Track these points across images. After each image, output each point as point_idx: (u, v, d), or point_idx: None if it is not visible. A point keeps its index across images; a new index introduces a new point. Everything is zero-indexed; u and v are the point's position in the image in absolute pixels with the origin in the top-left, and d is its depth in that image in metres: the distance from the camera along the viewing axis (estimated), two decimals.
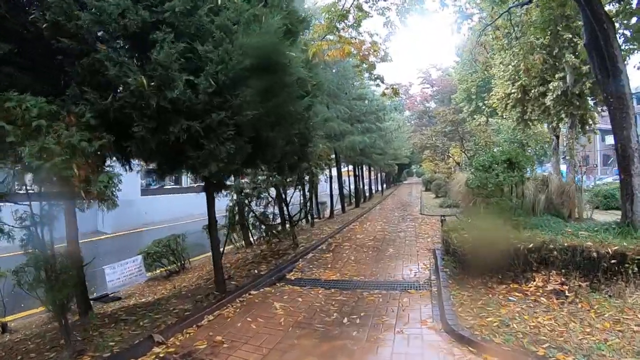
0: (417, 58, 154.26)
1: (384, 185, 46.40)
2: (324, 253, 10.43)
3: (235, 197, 10.30)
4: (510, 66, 17.73)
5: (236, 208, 10.16)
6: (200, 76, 4.46)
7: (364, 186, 30.11)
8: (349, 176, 27.83)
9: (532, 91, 17.23)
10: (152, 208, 25.34)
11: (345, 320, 5.58)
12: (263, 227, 11.09)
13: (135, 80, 4.04)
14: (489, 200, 13.03)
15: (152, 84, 4.16)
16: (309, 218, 15.49)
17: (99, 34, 4.29)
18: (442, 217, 14.32)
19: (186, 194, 32.96)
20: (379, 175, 43.19)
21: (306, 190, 11.91)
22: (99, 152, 4.05)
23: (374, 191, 38.31)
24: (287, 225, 11.54)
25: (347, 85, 19.44)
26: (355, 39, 10.59)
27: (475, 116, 28.49)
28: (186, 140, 4.49)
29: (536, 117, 18.52)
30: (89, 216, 25.61)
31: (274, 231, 10.88)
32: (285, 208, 11.29)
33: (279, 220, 11.60)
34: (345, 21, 10.59)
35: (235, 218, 10.22)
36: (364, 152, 23.60)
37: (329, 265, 9.05)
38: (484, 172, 13.24)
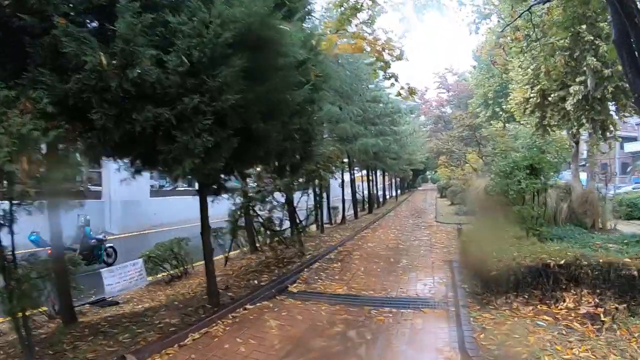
0: (434, 62, 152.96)
1: (398, 191, 45.54)
2: (332, 263, 9.73)
3: (238, 200, 9.67)
4: (529, 70, 16.91)
5: (238, 212, 9.51)
6: (171, 52, 3.81)
7: (377, 191, 29.38)
8: (362, 181, 27.22)
9: (552, 95, 16.33)
10: (161, 209, 24.97)
11: (349, 344, 4.87)
12: (268, 232, 10.44)
13: (94, 57, 3.41)
14: (510, 209, 12.25)
15: (114, 62, 3.53)
16: (319, 224, 14.82)
17: (64, 9, 3.65)
18: (459, 226, 13.58)
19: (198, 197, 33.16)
20: (393, 180, 42.37)
21: (315, 194, 11.21)
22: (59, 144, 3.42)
23: (387, 197, 37.49)
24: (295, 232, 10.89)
25: (361, 86, 18.79)
26: (371, 34, 9.89)
27: (492, 122, 27.56)
28: (155, 130, 3.85)
29: (556, 123, 17.49)
30: (97, 216, 25.45)
31: (279, 238, 10.21)
32: (292, 213, 10.61)
33: (286, 226, 10.95)
34: (359, 16, 9.90)
35: (237, 223, 9.57)
36: (377, 156, 22.88)
37: (336, 277, 8.35)
38: (504, 178, 12.45)
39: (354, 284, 7.66)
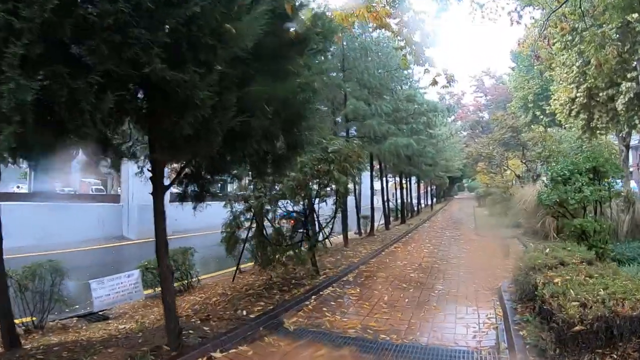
0: (471, 66, 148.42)
1: (434, 200, 43.14)
2: (350, 287, 7.89)
3: (239, 207, 8.05)
4: (574, 67, 15.23)
5: (233, 222, 7.84)
6: None
7: (411, 200, 27.31)
8: (396, 189, 25.40)
9: (600, 95, 14.59)
10: (183, 215, 23.78)
11: None
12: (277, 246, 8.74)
13: None
14: (565, 222, 10.18)
15: None
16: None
17: None
18: (506, 243, 11.61)
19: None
20: (428, 188, 40.07)
21: (337, 201, 9.43)
22: None
23: (422, 205, 35.36)
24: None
25: (392, 83, 17.02)
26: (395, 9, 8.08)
27: (532, 126, 25.29)
28: None
29: (604, 125, 15.90)
30: (115, 221, 24.56)
31: (294, 252, 8.50)
32: (305, 224, 8.85)
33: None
34: None
35: (235, 235, 7.90)
36: (412, 162, 20.97)
37: (351, 309, 6.54)
38: (562, 184, 10.40)
39: (372, 321, 5.81)
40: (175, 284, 9.56)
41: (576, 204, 9.70)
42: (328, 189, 8.74)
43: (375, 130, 12.48)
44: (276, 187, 7.67)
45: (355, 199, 18.36)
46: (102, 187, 36.75)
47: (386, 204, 19.66)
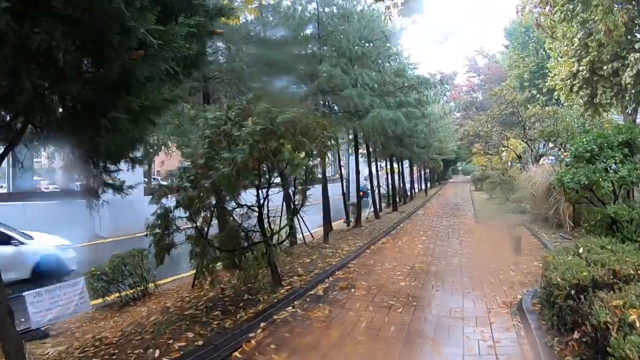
0: (463, 46, 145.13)
1: (428, 184, 41.21)
2: (317, 306, 5.84)
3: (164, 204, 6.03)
4: (575, 39, 13.52)
5: (161, 223, 5.79)
6: None
7: (404, 185, 25.28)
8: (387, 173, 23.49)
9: (604, 68, 12.92)
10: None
11: None
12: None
13: None
14: (595, 209, 8.23)
15: None
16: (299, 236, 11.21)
17: None
18: (514, 232, 9.69)
19: None
20: (422, 172, 38.08)
21: (290, 191, 7.40)
22: None
23: (416, 190, 33.46)
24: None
25: (378, 55, 14.94)
26: None
27: (528, 105, 23.25)
28: None
29: (608, 101, 14.40)
30: (87, 218, 22.70)
31: (236, 260, 6.51)
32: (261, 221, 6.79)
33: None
34: None
35: (165, 239, 5.85)
36: (403, 143, 18.95)
37: (312, 344, 4.53)
38: (586, 162, 8.43)
39: None
40: (129, 292, 8.65)
41: (607, 188, 7.76)
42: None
43: (355, 103, 10.40)
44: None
45: (343, 184, 16.40)
46: None
47: (376, 190, 17.72)
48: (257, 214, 6.48)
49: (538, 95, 29.98)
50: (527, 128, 20.24)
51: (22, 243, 9.95)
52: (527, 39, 41.25)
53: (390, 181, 20.70)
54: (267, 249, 6.26)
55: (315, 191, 7.99)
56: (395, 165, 22.97)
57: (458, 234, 12.00)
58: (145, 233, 6.28)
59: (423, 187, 36.59)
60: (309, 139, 5.37)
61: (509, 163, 26.52)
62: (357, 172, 15.14)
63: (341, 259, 8.77)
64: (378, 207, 18.46)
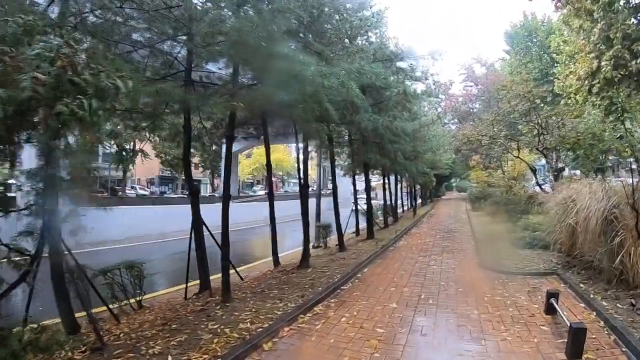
0: (460, 54, 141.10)
1: (417, 202, 36.47)
2: None
3: None
4: (595, 29, 10.04)
5: None
6: None
7: (391, 203, 20.42)
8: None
9: (630, 65, 9.54)
10: (102, 223, 18.63)
11: None
12: None
13: None
14: None
15: None
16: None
17: None
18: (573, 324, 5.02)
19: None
20: (412, 188, 33.25)
21: None
22: None
23: (404, 208, 28.86)
24: None
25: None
26: None
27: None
28: None
29: (634, 105, 12.12)
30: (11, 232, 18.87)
31: None
32: None
33: None
34: None
35: None
36: (382, 150, 14.33)
37: None
38: None
39: None
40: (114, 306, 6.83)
41: None
42: None
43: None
44: None
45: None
46: None
47: (337, 208, 13.06)
48: None
49: (542, 105, 26.14)
50: (544, 134, 15.67)
51: None
52: (530, 43, 38.23)
53: (366, 199, 15.88)
54: None
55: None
56: (376, 179, 18.34)
57: (455, 294, 7.26)
58: None
59: (411, 204, 31.41)
60: None
61: (516, 179, 21.97)
62: (305, 187, 10.49)
63: None
64: (348, 231, 13.80)
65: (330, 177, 13.81)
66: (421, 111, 17.73)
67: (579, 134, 14.53)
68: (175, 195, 44.80)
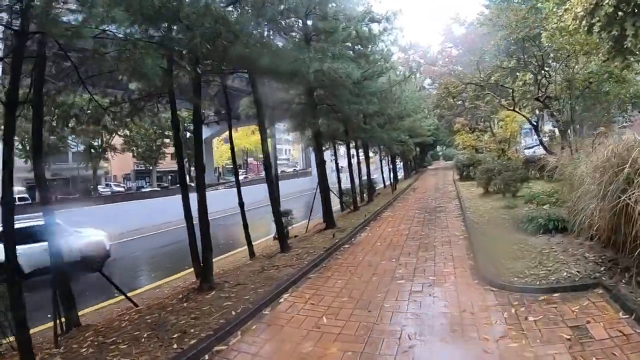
0: (437, 15, 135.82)
1: (399, 175, 32.96)
2: None
3: None
4: None
5: None
6: None
7: (353, 180, 16.76)
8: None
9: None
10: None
11: None
12: None
13: None
14: None
15: None
16: None
17: None
18: None
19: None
20: (389, 160, 29.64)
21: None
22: None
23: (387, 183, 25.59)
24: None
25: None
26: None
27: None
28: None
29: None
30: None
31: None
32: None
33: None
34: None
35: None
36: (339, 113, 10.84)
37: None
38: None
39: None
40: None
41: None
42: None
43: None
44: None
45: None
46: None
47: (274, 193, 9.66)
48: None
49: (530, 60, 22.79)
50: (546, 77, 12.22)
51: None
52: None
53: (319, 175, 12.16)
54: None
55: None
56: (327, 150, 14.83)
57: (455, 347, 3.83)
58: None
59: (390, 180, 27.51)
60: None
61: (508, 141, 18.58)
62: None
63: None
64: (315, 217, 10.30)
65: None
66: (388, 64, 14.05)
67: (591, 75, 11.11)
68: (150, 189, 41.32)
